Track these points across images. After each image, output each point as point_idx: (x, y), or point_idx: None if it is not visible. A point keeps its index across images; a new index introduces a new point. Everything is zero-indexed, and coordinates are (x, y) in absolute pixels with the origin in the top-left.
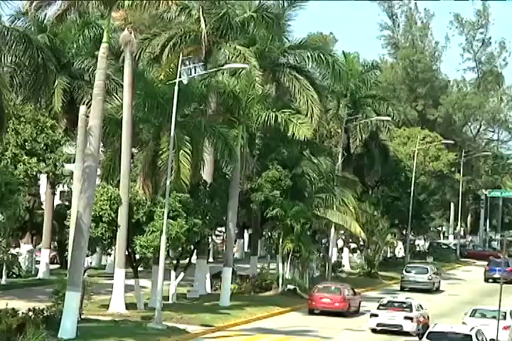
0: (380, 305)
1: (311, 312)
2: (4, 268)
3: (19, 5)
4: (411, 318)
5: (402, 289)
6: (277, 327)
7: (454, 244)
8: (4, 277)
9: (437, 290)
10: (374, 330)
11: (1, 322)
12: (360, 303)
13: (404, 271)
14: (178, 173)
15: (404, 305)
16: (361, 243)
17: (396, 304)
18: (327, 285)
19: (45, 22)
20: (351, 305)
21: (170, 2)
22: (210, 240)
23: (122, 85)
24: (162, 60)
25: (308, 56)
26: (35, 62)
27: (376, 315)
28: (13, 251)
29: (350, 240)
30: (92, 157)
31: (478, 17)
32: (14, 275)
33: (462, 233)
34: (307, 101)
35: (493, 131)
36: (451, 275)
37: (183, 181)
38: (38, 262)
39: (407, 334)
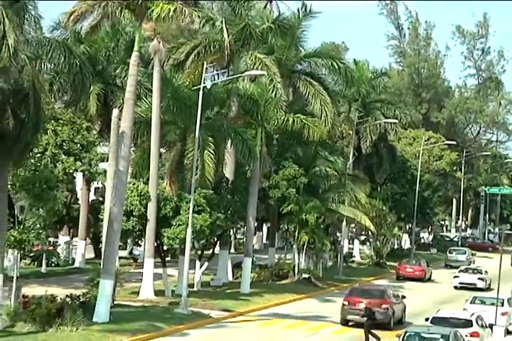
0: (460, 270)
1: (398, 278)
2: (44, 257)
3: (58, 17)
4: (482, 279)
5: (447, 266)
6: (293, 313)
7: (456, 237)
8: (44, 266)
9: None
10: (456, 287)
11: (41, 307)
12: (431, 273)
13: (448, 253)
14: (202, 171)
15: (477, 271)
16: (370, 235)
17: (470, 270)
18: (409, 259)
19: (81, 32)
20: (427, 274)
21: (195, 14)
22: (232, 233)
23: (151, 90)
24: (186, 66)
25: (322, 64)
26: (72, 70)
27: (458, 277)
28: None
29: (363, 232)
30: (124, 156)
31: (479, 28)
32: (53, 264)
33: (463, 226)
34: (321, 106)
35: (492, 133)
36: (446, 268)
37: (207, 178)
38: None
39: (479, 289)
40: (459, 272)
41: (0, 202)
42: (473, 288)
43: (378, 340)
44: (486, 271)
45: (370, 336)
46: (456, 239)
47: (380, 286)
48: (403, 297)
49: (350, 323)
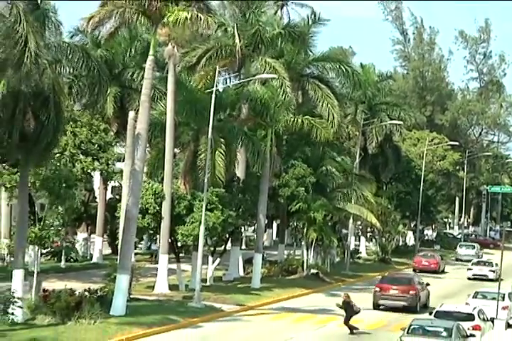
0: (473, 263)
1: (414, 271)
2: (63, 253)
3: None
4: (493, 271)
5: (457, 260)
6: (302, 307)
7: (459, 234)
8: (63, 261)
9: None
10: (469, 278)
11: (60, 301)
12: (445, 266)
13: (458, 248)
14: (213, 171)
15: (488, 263)
16: (376, 232)
17: (482, 263)
18: (425, 252)
19: (99, 37)
20: (441, 266)
21: (211, 20)
22: (243, 230)
23: (165, 93)
24: (198, 70)
25: (329, 67)
26: (90, 73)
27: (471, 269)
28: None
29: (368, 229)
30: (139, 156)
31: (481, 33)
32: (72, 260)
33: (466, 224)
34: (328, 108)
35: (494, 134)
36: (456, 261)
37: (218, 177)
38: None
39: (490, 280)
40: (472, 265)
41: (21, 200)
42: (485, 279)
43: (355, 329)
44: (496, 264)
45: (353, 326)
46: (458, 236)
47: (407, 274)
48: (427, 284)
49: (381, 307)
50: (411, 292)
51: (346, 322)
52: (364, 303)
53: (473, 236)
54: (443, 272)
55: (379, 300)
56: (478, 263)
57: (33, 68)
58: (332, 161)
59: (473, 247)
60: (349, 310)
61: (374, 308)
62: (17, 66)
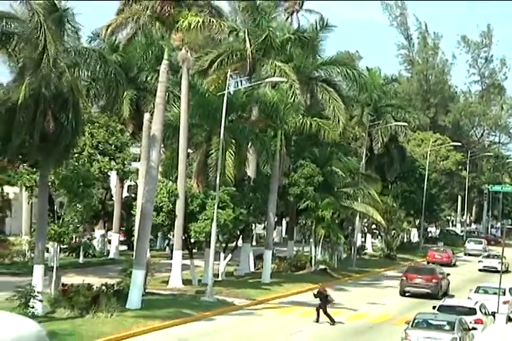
0: (483, 256)
1: (428, 263)
2: (81, 249)
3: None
4: (502, 263)
5: (466, 254)
6: (310, 301)
7: (461, 231)
8: (81, 257)
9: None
10: (480, 270)
11: (79, 295)
12: (456, 259)
13: (466, 243)
14: (224, 170)
15: (497, 256)
16: (381, 229)
17: (492, 256)
18: (437, 247)
19: (115, 42)
20: (452, 260)
21: (224, 25)
22: (253, 227)
23: (179, 96)
24: (209, 73)
25: (337, 71)
26: (107, 77)
27: (482, 261)
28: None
29: (374, 227)
30: (154, 157)
31: (483, 38)
32: (89, 256)
33: (468, 221)
34: (335, 110)
35: (495, 135)
36: (458, 257)
37: (227, 176)
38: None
39: (499, 271)
40: (483, 258)
41: (41, 198)
42: (494, 270)
43: (333, 321)
44: (504, 257)
45: (332, 317)
46: (461, 234)
47: (430, 265)
48: (448, 274)
49: (407, 294)
50: (433, 281)
51: (324, 312)
52: (369, 298)
53: (475, 233)
54: (454, 265)
55: (405, 288)
56: (488, 256)
57: (51, 72)
58: (339, 161)
59: (481, 242)
60: (323, 300)
61: (400, 295)
62: (36, 70)
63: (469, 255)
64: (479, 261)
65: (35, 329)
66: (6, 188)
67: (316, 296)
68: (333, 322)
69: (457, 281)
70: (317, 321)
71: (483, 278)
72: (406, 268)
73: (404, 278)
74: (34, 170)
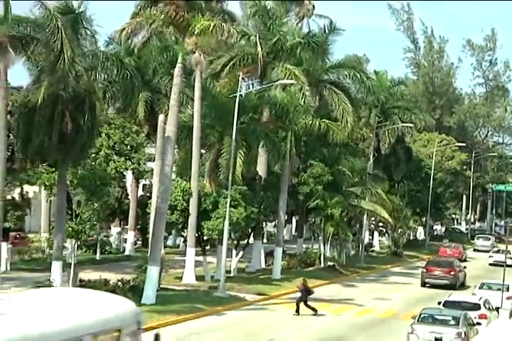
0: (493, 252)
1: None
2: (98, 246)
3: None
4: (505, 262)
5: (475, 250)
6: (319, 296)
7: (466, 229)
8: (98, 254)
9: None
10: (490, 264)
11: (96, 290)
12: (467, 255)
13: (476, 240)
14: (235, 170)
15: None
16: (388, 227)
17: (501, 251)
18: (449, 244)
19: (131, 46)
20: (463, 255)
21: (233, 29)
22: (264, 225)
23: (193, 98)
24: (222, 76)
25: (345, 74)
26: (123, 80)
27: (492, 256)
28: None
29: (381, 224)
30: (169, 156)
31: (487, 41)
32: (106, 252)
33: (472, 220)
34: (343, 112)
35: (499, 136)
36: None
37: (238, 176)
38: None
39: (508, 266)
40: (493, 253)
41: (59, 197)
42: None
43: (315, 311)
44: (509, 251)
45: (309, 308)
46: (465, 231)
47: (448, 258)
48: (464, 267)
49: (427, 285)
50: (452, 273)
51: (305, 304)
52: (376, 293)
53: (480, 231)
54: (465, 260)
55: (425, 279)
56: (497, 251)
57: (68, 74)
58: (346, 161)
59: (489, 239)
60: (303, 293)
61: (421, 286)
62: (53, 72)
63: (478, 251)
64: (490, 256)
65: (132, 308)
66: (26, 187)
67: (299, 289)
68: (315, 312)
69: (469, 274)
70: (297, 313)
71: (493, 271)
72: (426, 262)
73: (425, 271)
74: (53, 169)
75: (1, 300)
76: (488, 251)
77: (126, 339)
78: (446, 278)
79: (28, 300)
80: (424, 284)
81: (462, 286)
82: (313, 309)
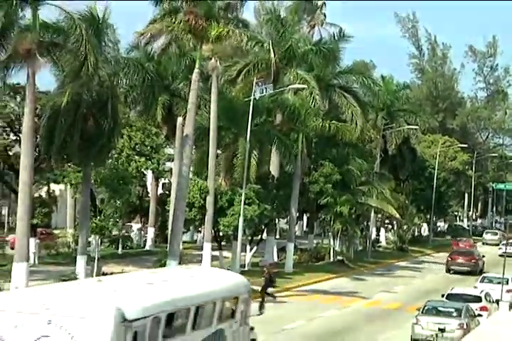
0: (503, 244)
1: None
2: (120, 241)
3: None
4: (505, 258)
5: (484, 244)
6: (329, 289)
7: (468, 226)
8: (120, 248)
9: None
10: (500, 255)
11: None
12: (476, 247)
13: (484, 234)
14: (249, 170)
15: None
16: (394, 223)
17: (510, 244)
18: (460, 238)
19: (151, 53)
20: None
21: (245, 35)
22: (277, 221)
23: (209, 101)
24: (238, 81)
25: (353, 79)
26: (144, 84)
27: (501, 248)
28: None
29: (387, 221)
30: (186, 157)
31: (488, 48)
32: (128, 247)
33: (474, 217)
34: (352, 114)
35: (499, 137)
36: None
37: (252, 175)
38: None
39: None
40: (502, 245)
41: (84, 195)
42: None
43: (274, 298)
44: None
45: (267, 296)
46: (467, 228)
47: (470, 248)
48: (483, 256)
49: (451, 272)
50: (473, 261)
51: (265, 291)
52: (383, 286)
53: (481, 227)
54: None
55: (450, 266)
56: (507, 243)
57: (92, 79)
58: (355, 161)
59: (496, 234)
60: (267, 281)
61: (446, 272)
62: (78, 78)
63: (487, 244)
64: (499, 248)
65: (245, 281)
66: (52, 186)
67: (263, 277)
68: (274, 298)
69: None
70: (274, 297)
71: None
72: (450, 252)
73: (450, 259)
74: (78, 169)
75: (158, 273)
76: (496, 245)
77: (241, 304)
78: (468, 265)
79: (176, 274)
80: (448, 270)
81: (481, 272)
82: (272, 295)
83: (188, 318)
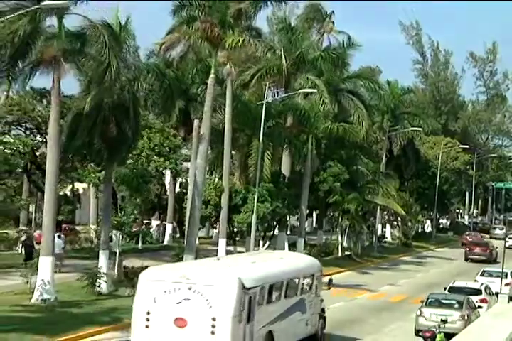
0: (509, 237)
1: (463, 244)
2: (140, 237)
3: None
4: (505, 251)
5: (491, 238)
6: (337, 282)
7: (469, 222)
8: (140, 243)
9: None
10: (507, 247)
11: (138, 276)
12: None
13: (491, 229)
14: (262, 169)
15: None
16: (399, 220)
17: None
18: (469, 232)
19: (170, 59)
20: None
21: (259, 44)
22: (288, 218)
23: (224, 105)
24: (250, 86)
25: (360, 84)
26: (163, 89)
27: (508, 241)
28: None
29: (392, 218)
30: (203, 157)
31: (488, 54)
32: (147, 242)
33: (474, 214)
34: (359, 117)
35: (499, 139)
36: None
37: (265, 175)
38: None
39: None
40: (508, 238)
41: (106, 193)
42: None
43: None
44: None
45: None
46: (468, 224)
47: (484, 240)
48: (496, 247)
49: (468, 260)
50: (488, 251)
51: None
52: (388, 280)
53: (481, 224)
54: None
55: (468, 256)
56: (505, 237)
57: (115, 84)
58: (362, 162)
59: (503, 228)
60: None
61: (464, 260)
62: (101, 83)
63: (494, 238)
64: (506, 241)
65: (318, 262)
66: (76, 184)
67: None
68: None
69: None
70: None
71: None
72: (468, 243)
73: (468, 250)
74: (99, 168)
75: (255, 255)
76: (502, 239)
77: (315, 281)
78: (484, 255)
79: (269, 256)
80: (466, 259)
81: (495, 261)
82: None
83: (282, 289)
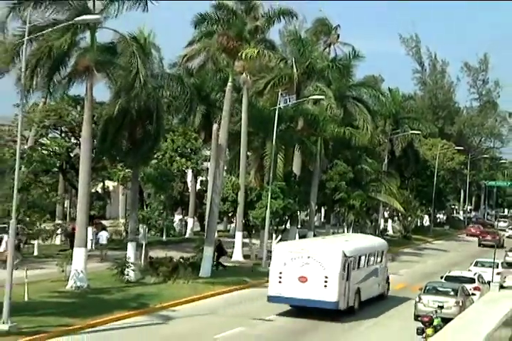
0: (509, 228)
1: (467, 235)
2: (164, 230)
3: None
4: (498, 243)
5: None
6: None
7: (464, 218)
8: (164, 236)
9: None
10: (507, 237)
11: (162, 265)
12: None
13: (496, 222)
14: (275, 169)
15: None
16: (400, 215)
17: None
18: (472, 224)
19: (191, 68)
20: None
21: (273, 56)
22: (298, 213)
23: (241, 110)
24: (264, 93)
25: (365, 91)
26: (184, 96)
27: (507, 232)
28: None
29: (393, 213)
30: (221, 158)
31: (481, 64)
32: (170, 235)
33: (468, 210)
34: (363, 121)
35: (491, 141)
36: (460, 238)
37: (278, 174)
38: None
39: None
40: (509, 229)
41: (133, 190)
42: None
43: (224, 268)
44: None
45: (223, 264)
46: (463, 219)
47: (493, 229)
48: (503, 235)
49: (481, 245)
50: (496, 237)
51: (217, 260)
52: (390, 270)
53: (475, 219)
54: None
55: (481, 242)
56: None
57: (142, 92)
58: (366, 162)
59: (506, 221)
60: (218, 251)
61: (478, 246)
62: (130, 90)
63: (499, 230)
64: (506, 232)
65: (385, 242)
66: (107, 182)
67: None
68: (224, 267)
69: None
70: (224, 267)
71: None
72: (480, 232)
73: (481, 237)
74: (126, 168)
75: (346, 236)
76: (503, 230)
77: (384, 256)
78: (493, 241)
79: (356, 237)
80: (479, 244)
81: (502, 246)
82: (222, 265)
83: (365, 259)
